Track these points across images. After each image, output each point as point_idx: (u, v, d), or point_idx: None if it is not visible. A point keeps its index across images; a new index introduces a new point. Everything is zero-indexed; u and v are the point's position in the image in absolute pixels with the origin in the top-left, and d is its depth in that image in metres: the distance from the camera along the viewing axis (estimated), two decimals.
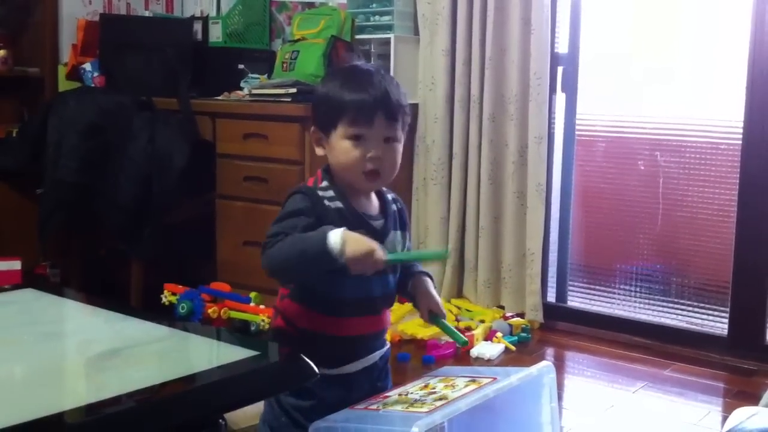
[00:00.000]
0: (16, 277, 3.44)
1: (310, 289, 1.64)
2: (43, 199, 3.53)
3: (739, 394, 2.75)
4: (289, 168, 3.30)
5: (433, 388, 1.62)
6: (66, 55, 4.13)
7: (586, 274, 3.54)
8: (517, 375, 1.63)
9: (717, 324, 3.19)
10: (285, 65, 3.60)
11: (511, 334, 3.23)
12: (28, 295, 1.83)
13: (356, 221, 1.63)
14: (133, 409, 1.23)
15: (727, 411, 2.37)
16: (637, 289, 3.39)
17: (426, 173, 3.64)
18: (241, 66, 3.88)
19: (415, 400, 1.55)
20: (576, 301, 3.53)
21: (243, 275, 3.42)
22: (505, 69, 3.44)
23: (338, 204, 1.63)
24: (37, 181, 3.57)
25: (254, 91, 3.53)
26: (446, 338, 3.15)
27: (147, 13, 4.46)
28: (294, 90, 3.34)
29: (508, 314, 3.42)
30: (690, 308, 3.27)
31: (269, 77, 3.72)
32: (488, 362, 2.99)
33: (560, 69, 3.44)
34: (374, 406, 1.56)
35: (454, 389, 1.59)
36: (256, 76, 3.78)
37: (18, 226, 3.70)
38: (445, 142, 3.58)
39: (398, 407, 1.53)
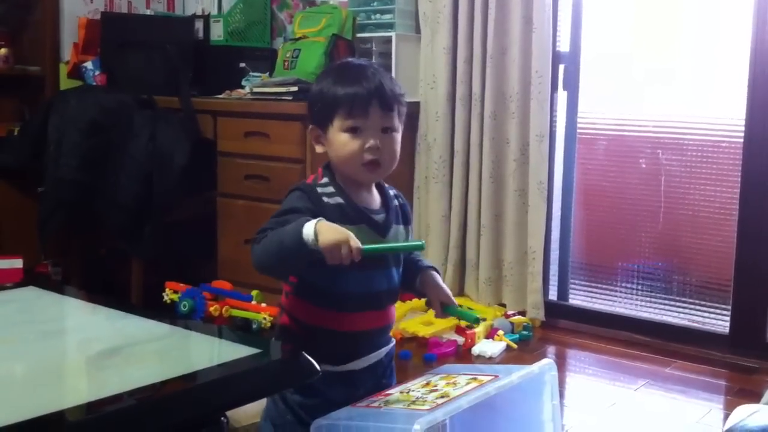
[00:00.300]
0: (17, 276, 3.43)
1: (314, 284, 1.64)
2: (43, 197, 3.53)
3: (741, 392, 2.75)
4: (290, 166, 3.30)
5: (435, 386, 1.62)
6: (67, 53, 4.13)
7: (587, 272, 3.54)
8: (518, 373, 1.63)
9: (718, 322, 3.18)
10: (286, 63, 3.60)
11: (512, 332, 3.23)
12: (30, 293, 1.83)
13: (357, 216, 1.63)
14: (134, 407, 1.23)
15: (729, 409, 2.37)
16: (639, 287, 3.39)
17: (427, 171, 3.64)
18: (242, 64, 3.89)
19: (417, 398, 1.55)
20: (577, 299, 3.53)
21: (244, 273, 3.42)
22: (507, 67, 3.44)
23: (338, 200, 1.63)
24: (38, 179, 3.57)
25: (255, 90, 3.53)
26: (448, 336, 3.15)
27: (148, 12, 4.46)
28: (295, 88, 3.34)
29: (510, 312, 3.42)
30: (691, 306, 3.27)
31: (270, 75, 3.72)
32: (490, 360, 2.99)
33: (562, 67, 3.44)
34: (376, 404, 1.56)
35: (456, 387, 1.59)
36: (258, 74, 3.79)
37: (19, 225, 3.70)
38: (446, 140, 3.58)
39: (400, 405, 1.53)
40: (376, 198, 1.71)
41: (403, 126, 1.70)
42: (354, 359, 1.68)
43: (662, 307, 3.33)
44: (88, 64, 3.92)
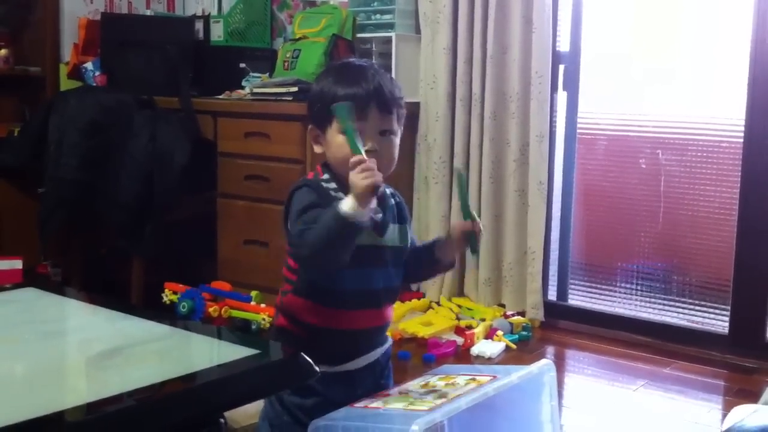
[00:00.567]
0: (17, 276, 3.44)
1: (313, 282, 1.65)
2: (44, 197, 3.53)
3: (740, 392, 2.75)
4: (290, 167, 3.30)
5: (434, 387, 1.62)
6: (67, 53, 4.13)
7: (587, 272, 3.54)
8: (517, 373, 1.64)
9: (718, 322, 3.19)
10: (286, 64, 3.60)
11: (511, 332, 3.24)
12: (30, 294, 1.83)
13: None
14: (134, 407, 1.23)
15: (728, 409, 2.37)
16: (638, 288, 3.39)
17: (427, 172, 3.65)
18: (242, 65, 3.89)
19: (416, 398, 1.55)
20: (577, 299, 3.53)
21: (244, 274, 3.42)
22: (507, 67, 3.44)
23: (341, 196, 1.64)
24: (38, 180, 3.57)
25: (255, 90, 3.53)
26: (447, 337, 3.15)
27: (148, 12, 4.46)
28: (295, 89, 3.34)
29: (509, 312, 3.42)
30: (691, 306, 3.27)
31: (270, 76, 3.72)
32: (489, 360, 2.99)
33: (562, 67, 3.44)
34: (374, 404, 1.56)
35: (455, 387, 1.59)
36: (258, 74, 3.79)
37: (19, 225, 3.71)
38: (446, 141, 3.59)
39: (398, 405, 1.53)
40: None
41: (403, 128, 1.70)
42: (352, 359, 1.68)
43: (661, 307, 3.33)
44: (89, 65, 3.93)
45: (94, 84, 3.88)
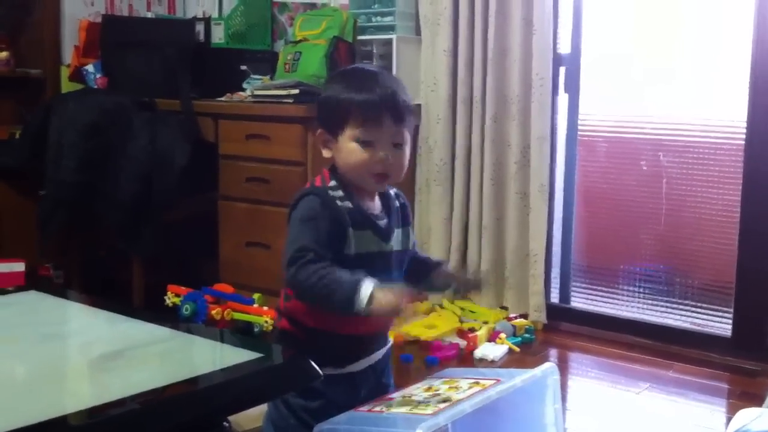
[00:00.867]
0: (19, 279, 3.44)
1: None
2: (44, 198, 3.53)
3: (743, 395, 2.74)
4: (291, 169, 3.30)
5: (437, 390, 1.62)
6: (68, 56, 4.13)
7: (589, 274, 3.53)
8: (520, 376, 1.63)
9: (720, 325, 3.18)
10: (287, 66, 3.60)
11: (514, 335, 3.23)
12: (32, 296, 1.83)
13: (364, 221, 1.64)
14: (137, 411, 1.23)
15: (731, 412, 2.37)
16: (641, 290, 3.38)
17: (428, 174, 3.64)
18: (243, 67, 3.88)
19: (419, 402, 1.55)
20: (579, 301, 3.53)
21: (246, 276, 3.42)
22: (507, 69, 3.44)
23: (347, 204, 1.63)
24: (39, 182, 3.57)
25: (256, 92, 3.53)
26: (450, 339, 3.14)
27: (149, 14, 4.46)
28: (296, 91, 3.34)
29: (512, 315, 3.41)
30: (693, 309, 3.26)
31: (271, 78, 3.72)
32: (492, 363, 2.99)
33: (562, 69, 3.44)
34: (378, 408, 1.56)
35: (458, 391, 1.59)
36: (259, 77, 3.79)
37: (20, 228, 3.70)
38: (447, 143, 3.58)
39: (402, 409, 1.53)
40: (377, 201, 1.72)
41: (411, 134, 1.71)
42: (355, 361, 1.68)
43: (664, 309, 3.32)
44: (89, 67, 3.92)
45: (96, 86, 3.88)
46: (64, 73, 4.08)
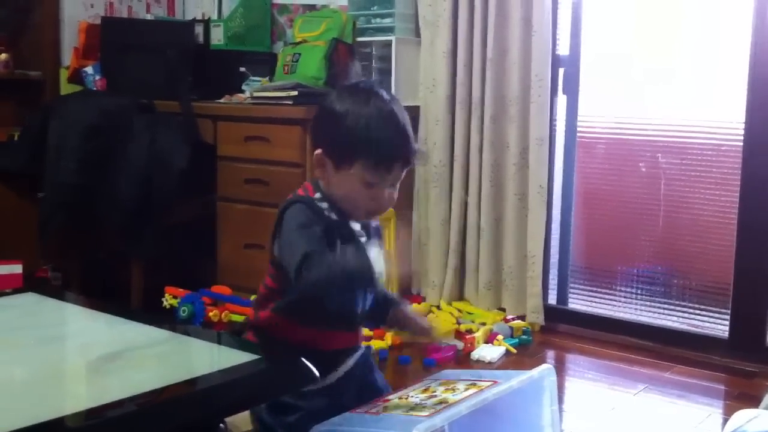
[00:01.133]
0: (17, 281, 3.44)
1: (295, 302, 1.64)
2: (43, 200, 3.53)
3: (740, 397, 2.75)
4: (290, 170, 3.30)
5: (434, 392, 1.62)
6: (68, 58, 4.13)
7: (587, 276, 3.54)
8: (517, 378, 1.64)
9: (718, 326, 3.18)
10: (286, 68, 3.60)
11: (511, 336, 3.23)
12: (30, 298, 1.84)
13: (348, 235, 1.64)
14: (134, 412, 1.24)
15: (728, 413, 2.37)
16: (638, 292, 3.39)
17: (427, 175, 3.65)
18: (242, 69, 3.89)
19: (416, 404, 1.55)
20: (577, 303, 3.53)
21: (244, 278, 3.42)
22: (506, 71, 3.44)
23: (333, 216, 1.64)
24: (38, 184, 3.57)
25: (255, 94, 3.53)
26: (447, 341, 3.14)
27: (148, 16, 4.46)
28: (295, 93, 3.34)
29: (509, 317, 3.41)
30: (691, 310, 3.27)
31: (270, 80, 3.72)
32: (489, 365, 2.99)
33: (561, 70, 3.44)
34: (375, 410, 1.56)
35: (455, 392, 1.59)
36: (258, 78, 3.79)
37: (19, 230, 3.70)
38: (446, 144, 3.59)
39: (399, 411, 1.53)
40: None
41: None
42: (328, 374, 1.68)
43: (662, 311, 3.33)
44: (89, 69, 3.92)
45: (95, 88, 3.88)
46: (64, 75, 4.08)
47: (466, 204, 3.56)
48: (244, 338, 1.75)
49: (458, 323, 3.35)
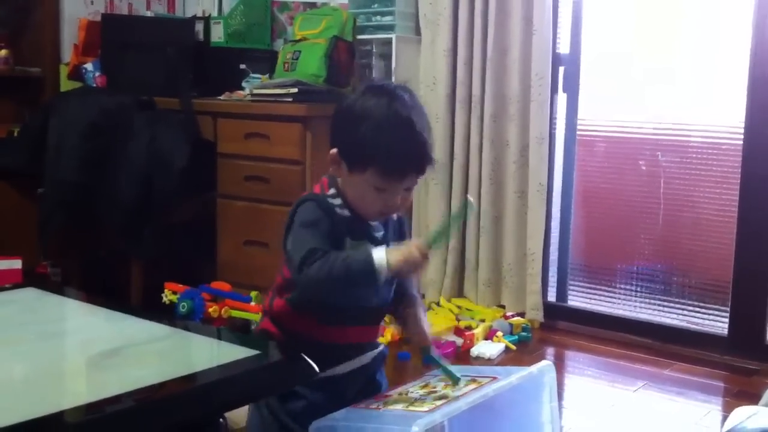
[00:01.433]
0: (16, 276, 3.44)
1: (309, 296, 1.64)
2: (43, 198, 3.53)
3: (740, 394, 2.75)
4: (290, 168, 3.30)
5: (434, 388, 1.62)
6: (67, 54, 4.13)
7: (586, 273, 3.54)
8: (517, 374, 1.64)
9: (717, 324, 3.19)
10: (286, 65, 3.60)
11: (511, 333, 3.24)
12: (29, 294, 1.84)
13: (362, 231, 1.63)
14: (134, 408, 1.24)
15: (728, 410, 2.37)
16: (638, 289, 3.39)
17: (426, 173, 3.63)
18: (242, 66, 3.89)
19: (416, 400, 1.55)
20: (576, 300, 3.53)
21: (244, 274, 3.42)
22: (507, 69, 3.44)
23: (346, 212, 1.63)
24: (37, 180, 3.57)
25: (255, 91, 3.53)
26: (447, 338, 3.15)
27: (149, 13, 4.46)
28: (295, 90, 3.34)
29: (509, 314, 3.42)
30: (690, 308, 3.27)
31: (271, 77, 3.72)
32: (488, 361, 2.99)
33: (562, 69, 3.44)
34: (375, 405, 1.56)
35: (455, 388, 1.59)
36: (258, 76, 3.79)
37: (19, 226, 3.70)
38: (446, 142, 3.59)
39: (399, 406, 1.53)
40: None
41: None
42: (338, 365, 1.67)
43: (661, 308, 3.33)
44: (89, 66, 3.92)
45: (94, 85, 3.88)
46: (64, 71, 4.08)
47: (466, 202, 3.56)
48: (257, 327, 1.75)
49: (458, 320, 3.36)
